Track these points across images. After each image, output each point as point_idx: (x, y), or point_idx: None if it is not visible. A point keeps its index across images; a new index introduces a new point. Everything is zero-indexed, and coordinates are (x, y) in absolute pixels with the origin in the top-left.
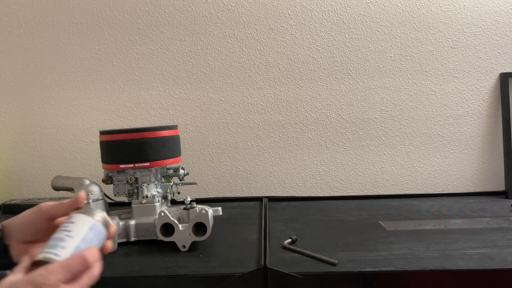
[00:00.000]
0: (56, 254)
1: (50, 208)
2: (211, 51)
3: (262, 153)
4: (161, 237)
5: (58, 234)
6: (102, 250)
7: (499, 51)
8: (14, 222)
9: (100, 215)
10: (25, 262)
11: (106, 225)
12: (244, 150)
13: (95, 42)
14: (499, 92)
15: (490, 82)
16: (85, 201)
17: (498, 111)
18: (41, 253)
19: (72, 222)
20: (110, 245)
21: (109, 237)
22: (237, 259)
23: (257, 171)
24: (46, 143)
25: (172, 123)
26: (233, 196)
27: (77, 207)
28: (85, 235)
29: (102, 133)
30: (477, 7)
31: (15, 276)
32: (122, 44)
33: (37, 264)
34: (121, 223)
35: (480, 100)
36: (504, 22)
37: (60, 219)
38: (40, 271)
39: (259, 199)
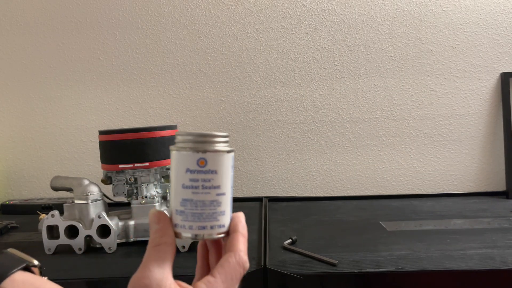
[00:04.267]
0: (220, 226)
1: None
2: (210, 50)
3: (262, 153)
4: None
5: (202, 196)
6: None
7: (500, 50)
8: None
9: (228, 140)
10: (169, 254)
11: (226, 141)
12: (244, 150)
13: (95, 42)
14: (500, 91)
15: (491, 81)
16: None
17: (499, 111)
18: (195, 230)
19: (214, 171)
20: None
21: None
22: None
23: (257, 171)
24: (45, 143)
25: (171, 123)
26: (233, 196)
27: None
28: (231, 179)
29: (101, 133)
30: (478, 6)
31: (165, 284)
32: (122, 44)
33: None
34: (120, 223)
35: (481, 100)
36: (505, 22)
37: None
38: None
39: (259, 199)
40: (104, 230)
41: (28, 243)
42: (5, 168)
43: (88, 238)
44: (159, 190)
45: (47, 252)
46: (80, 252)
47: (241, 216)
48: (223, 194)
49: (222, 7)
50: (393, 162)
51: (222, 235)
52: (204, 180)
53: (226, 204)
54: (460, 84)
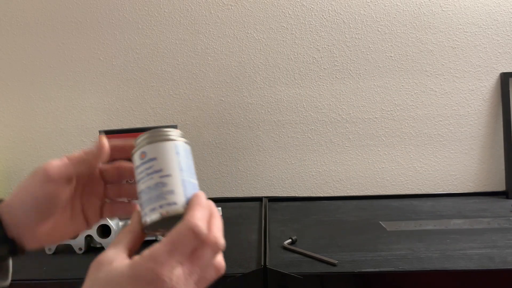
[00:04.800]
0: (170, 203)
1: (63, 169)
2: (211, 50)
3: (262, 153)
4: (161, 237)
5: (148, 182)
6: None
7: (499, 50)
8: (13, 204)
9: (174, 132)
10: (133, 226)
11: (183, 136)
12: (244, 150)
13: (95, 42)
14: (500, 92)
15: (490, 82)
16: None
17: (498, 111)
18: (151, 212)
19: (153, 159)
20: None
21: None
22: (237, 259)
23: (257, 171)
24: (45, 143)
25: (172, 123)
26: (233, 196)
27: (101, 154)
28: (179, 164)
29: (101, 133)
30: (478, 6)
31: (116, 254)
32: (122, 44)
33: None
34: (120, 223)
35: (480, 100)
36: (504, 22)
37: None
38: (146, 264)
39: (259, 199)
40: (104, 230)
41: None
42: (5, 168)
43: (89, 238)
44: None
45: (48, 252)
46: (81, 252)
47: (199, 193)
48: (167, 176)
49: (222, 7)
50: (393, 162)
51: (175, 212)
52: (147, 169)
53: (174, 184)
54: (459, 84)
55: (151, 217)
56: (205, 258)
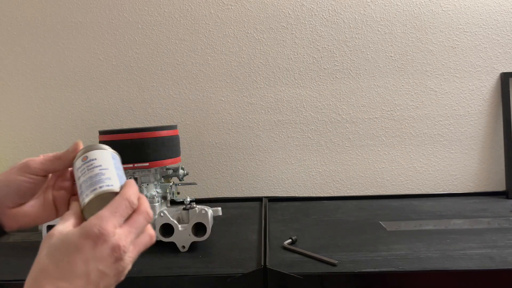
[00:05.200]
0: (108, 185)
1: (42, 164)
2: (210, 50)
3: (262, 153)
4: (160, 237)
5: (89, 174)
6: None
7: (499, 50)
8: None
9: (107, 146)
10: (73, 209)
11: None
12: (244, 150)
13: (95, 42)
14: (500, 92)
15: (490, 82)
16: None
17: (498, 111)
18: (91, 192)
19: (93, 159)
20: None
21: None
22: (237, 259)
23: (257, 171)
24: (45, 143)
25: (171, 123)
26: (233, 196)
27: (75, 155)
28: (114, 165)
29: (102, 133)
30: (478, 6)
31: (65, 226)
32: (122, 44)
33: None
34: None
35: (480, 100)
36: (504, 22)
37: (57, 174)
38: (93, 221)
39: (259, 199)
40: None
41: (28, 243)
42: (5, 168)
43: None
44: (159, 190)
45: None
46: None
47: (132, 179)
48: (106, 169)
49: (222, 7)
50: (393, 162)
51: (112, 190)
52: (88, 166)
53: (111, 174)
54: (460, 84)
55: (89, 197)
56: (139, 223)
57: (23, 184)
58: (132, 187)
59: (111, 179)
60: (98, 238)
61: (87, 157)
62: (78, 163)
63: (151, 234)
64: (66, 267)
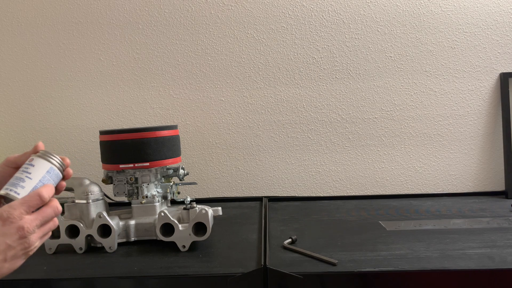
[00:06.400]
0: (16, 193)
1: (16, 158)
2: (211, 51)
3: (262, 153)
4: (161, 237)
5: (19, 174)
6: (57, 188)
7: (499, 51)
8: None
9: (57, 159)
10: None
11: (62, 168)
12: (244, 150)
13: (95, 42)
14: (499, 92)
15: (490, 82)
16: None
17: (498, 111)
18: (4, 189)
19: (32, 165)
20: (63, 184)
21: (64, 178)
22: (237, 259)
23: (257, 171)
24: (45, 143)
25: (172, 123)
26: (233, 196)
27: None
28: (42, 177)
29: (102, 133)
30: (477, 7)
31: None
32: (122, 44)
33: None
34: (121, 223)
35: (480, 100)
36: (504, 22)
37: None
38: (4, 208)
39: (259, 199)
40: (104, 230)
41: None
42: None
43: (89, 237)
44: (159, 190)
45: (48, 252)
46: (81, 252)
47: (49, 184)
48: (29, 178)
49: (223, 7)
50: (393, 162)
51: (13, 198)
52: (25, 166)
53: (28, 185)
54: (459, 84)
55: (1, 191)
56: (47, 214)
57: (4, 173)
58: (47, 187)
59: (24, 188)
60: (6, 220)
61: (32, 159)
62: (28, 159)
63: (55, 222)
64: None
